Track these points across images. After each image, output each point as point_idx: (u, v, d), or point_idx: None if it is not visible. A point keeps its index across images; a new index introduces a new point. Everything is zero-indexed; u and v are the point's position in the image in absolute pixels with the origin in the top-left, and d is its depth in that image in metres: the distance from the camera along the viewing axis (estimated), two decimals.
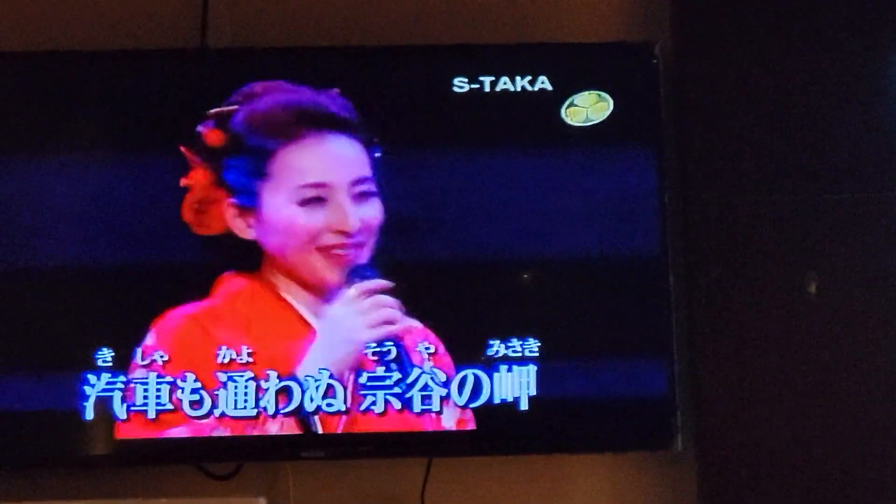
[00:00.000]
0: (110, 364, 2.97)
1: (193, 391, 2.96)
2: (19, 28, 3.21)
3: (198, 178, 3.01)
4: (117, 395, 2.96)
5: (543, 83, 3.08)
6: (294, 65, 3.10)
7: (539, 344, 3.00)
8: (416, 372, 2.98)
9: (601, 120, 3.08)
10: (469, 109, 3.08)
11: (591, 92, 3.08)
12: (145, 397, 2.96)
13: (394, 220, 3.02)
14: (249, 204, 2.98)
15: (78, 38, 3.19)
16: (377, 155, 3.03)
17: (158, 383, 2.96)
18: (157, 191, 3.03)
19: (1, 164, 3.04)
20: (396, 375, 2.98)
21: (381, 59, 3.13)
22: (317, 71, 3.09)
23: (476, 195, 3.06)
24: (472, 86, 3.09)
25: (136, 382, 2.96)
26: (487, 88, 3.09)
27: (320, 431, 2.96)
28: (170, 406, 2.96)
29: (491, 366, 2.98)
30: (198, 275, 3.00)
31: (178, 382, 2.96)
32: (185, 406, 2.96)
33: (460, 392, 2.99)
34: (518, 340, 3.00)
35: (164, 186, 3.02)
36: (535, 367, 2.99)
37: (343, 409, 2.97)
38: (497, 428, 2.98)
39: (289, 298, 2.99)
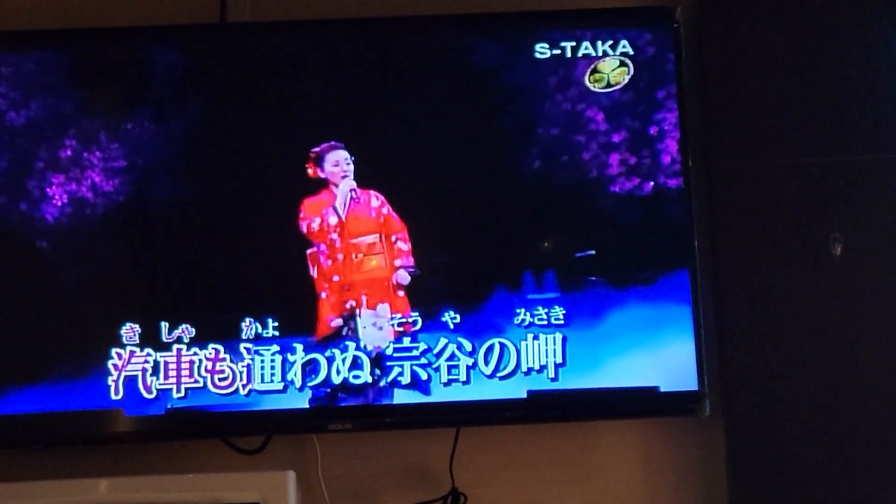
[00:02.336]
0: (136, 340, 2.97)
1: (220, 366, 2.96)
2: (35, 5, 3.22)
3: None
4: (144, 371, 2.96)
5: (625, 48, 3.08)
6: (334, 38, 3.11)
7: (564, 311, 3.00)
8: (442, 341, 2.98)
9: (622, 85, 3.07)
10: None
11: (613, 57, 3.07)
12: (172, 372, 2.96)
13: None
14: None
15: (96, 14, 3.18)
16: None
17: (185, 358, 2.96)
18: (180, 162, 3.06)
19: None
20: (423, 346, 2.98)
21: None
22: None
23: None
24: (554, 51, 3.08)
25: (162, 357, 2.96)
26: (569, 54, 3.08)
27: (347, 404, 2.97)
28: (197, 381, 2.96)
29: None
30: None
31: (206, 357, 2.96)
32: (213, 380, 2.96)
33: (486, 361, 2.99)
34: (544, 308, 2.99)
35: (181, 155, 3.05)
36: (562, 336, 2.99)
37: (369, 380, 2.97)
38: (525, 397, 2.98)
39: None
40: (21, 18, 3.20)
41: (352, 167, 3.04)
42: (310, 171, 3.04)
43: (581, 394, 2.98)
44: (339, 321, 2.99)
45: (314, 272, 3.02)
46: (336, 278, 3.01)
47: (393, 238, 3.03)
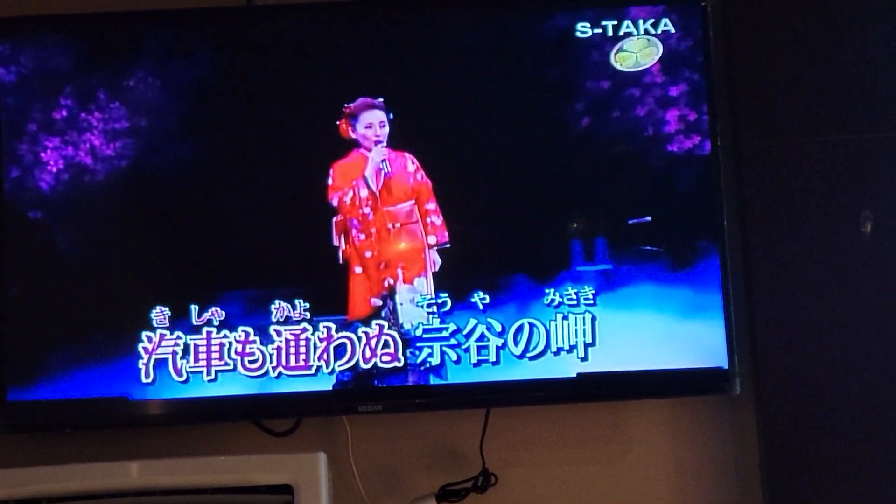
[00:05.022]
0: (166, 323, 2.98)
1: (250, 348, 2.97)
2: None
3: None
4: (174, 354, 2.97)
5: (667, 26, 3.06)
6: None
7: (594, 291, 2.99)
8: (471, 322, 2.97)
9: (651, 64, 3.05)
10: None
11: (640, 37, 3.06)
12: (202, 355, 2.97)
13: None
14: None
15: None
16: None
17: (215, 341, 2.97)
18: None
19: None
20: (452, 327, 2.98)
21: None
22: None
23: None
24: (595, 30, 3.06)
25: (192, 340, 2.97)
26: (610, 33, 3.06)
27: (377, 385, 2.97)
28: (227, 363, 2.96)
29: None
30: None
31: (235, 339, 2.96)
32: (243, 363, 2.97)
33: (516, 342, 2.98)
34: (573, 288, 2.99)
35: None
36: (591, 316, 2.98)
37: (400, 362, 2.97)
38: (554, 377, 2.97)
39: None
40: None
41: (386, 130, 3.01)
42: (341, 128, 3.00)
43: (609, 374, 2.97)
44: (378, 301, 2.99)
45: (341, 243, 3.00)
46: (369, 254, 2.99)
47: (424, 208, 3.01)
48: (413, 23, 3.07)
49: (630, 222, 2.99)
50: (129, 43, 3.05)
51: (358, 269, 2.99)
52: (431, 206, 3.01)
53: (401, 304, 2.98)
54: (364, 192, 3.00)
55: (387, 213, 3.00)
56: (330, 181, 3.01)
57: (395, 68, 3.05)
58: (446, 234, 3.00)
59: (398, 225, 3.00)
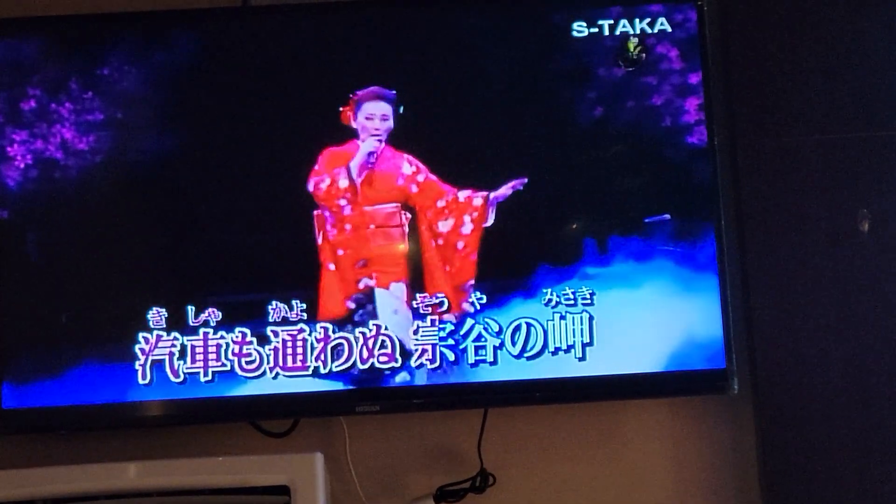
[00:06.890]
0: (163, 324, 2.97)
1: (247, 349, 2.96)
2: None
3: None
4: (171, 355, 2.96)
5: (663, 25, 3.05)
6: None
7: (591, 291, 2.98)
8: (468, 322, 2.97)
9: (647, 63, 3.05)
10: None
11: (633, 37, 3.05)
12: (199, 356, 2.96)
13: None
14: None
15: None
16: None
17: (212, 342, 2.96)
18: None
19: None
20: (449, 326, 2.97)
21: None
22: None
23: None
24: (591, 30, 3.05)
25: (189, 342, 2.96)
26: (606, 32, 3.06)
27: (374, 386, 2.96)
28: (224, 364, 2.96)
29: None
30: None
31: (232, 340, 2.96)
32: (240, 364, 2.96)
33: (514, 342, 2.98)
34: (570, 288, 2.98)
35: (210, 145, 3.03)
36: (589, 316, 2.98)
37: (396, 362, 2.96)
38: (552, 377, 2.97)
39: None
40: None
41: (388, 125, 2.97)
42: (344, 115, 2.96)
43: (607, 373, 2.97)
44: (352, 304, 2.97)
45: (320, 238, 2.98)
46: (341, 252, 2.96)
47: (440, 203, 2.96)
48: (425, 15, 3.05)
49: (647, 220, 2.97)
50: (125, 37, 3.04)
51: (331, 266, 2.97)
52: (455, 196, 2.96)
53: (381, 309, 2.97)
54: (344, 183, 2.96)
55: (365, 214, 2.98)
56: (316, 166, 2.98)
57: (403, 62, 3.02)
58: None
59: (373, 227, 2.98)
